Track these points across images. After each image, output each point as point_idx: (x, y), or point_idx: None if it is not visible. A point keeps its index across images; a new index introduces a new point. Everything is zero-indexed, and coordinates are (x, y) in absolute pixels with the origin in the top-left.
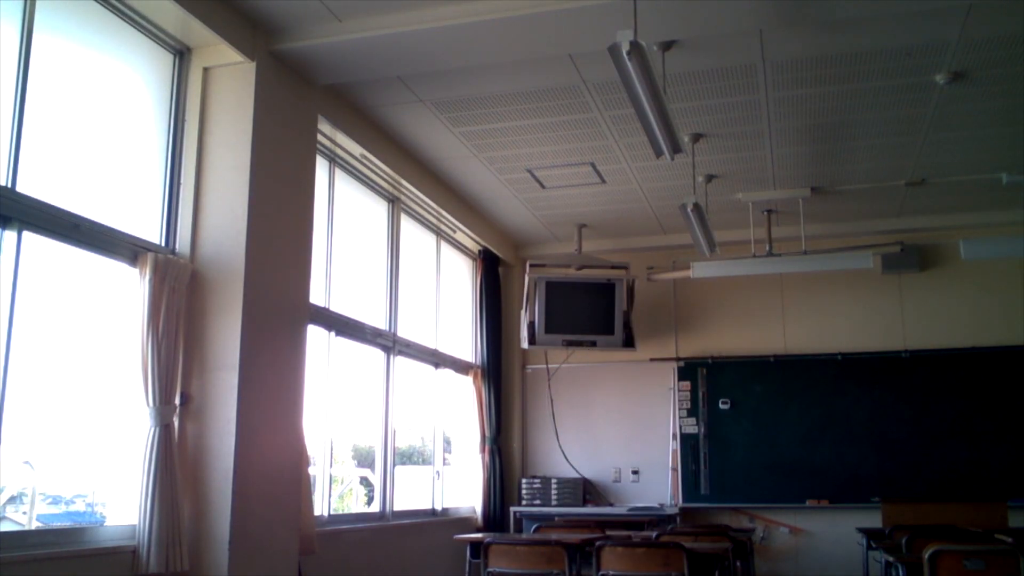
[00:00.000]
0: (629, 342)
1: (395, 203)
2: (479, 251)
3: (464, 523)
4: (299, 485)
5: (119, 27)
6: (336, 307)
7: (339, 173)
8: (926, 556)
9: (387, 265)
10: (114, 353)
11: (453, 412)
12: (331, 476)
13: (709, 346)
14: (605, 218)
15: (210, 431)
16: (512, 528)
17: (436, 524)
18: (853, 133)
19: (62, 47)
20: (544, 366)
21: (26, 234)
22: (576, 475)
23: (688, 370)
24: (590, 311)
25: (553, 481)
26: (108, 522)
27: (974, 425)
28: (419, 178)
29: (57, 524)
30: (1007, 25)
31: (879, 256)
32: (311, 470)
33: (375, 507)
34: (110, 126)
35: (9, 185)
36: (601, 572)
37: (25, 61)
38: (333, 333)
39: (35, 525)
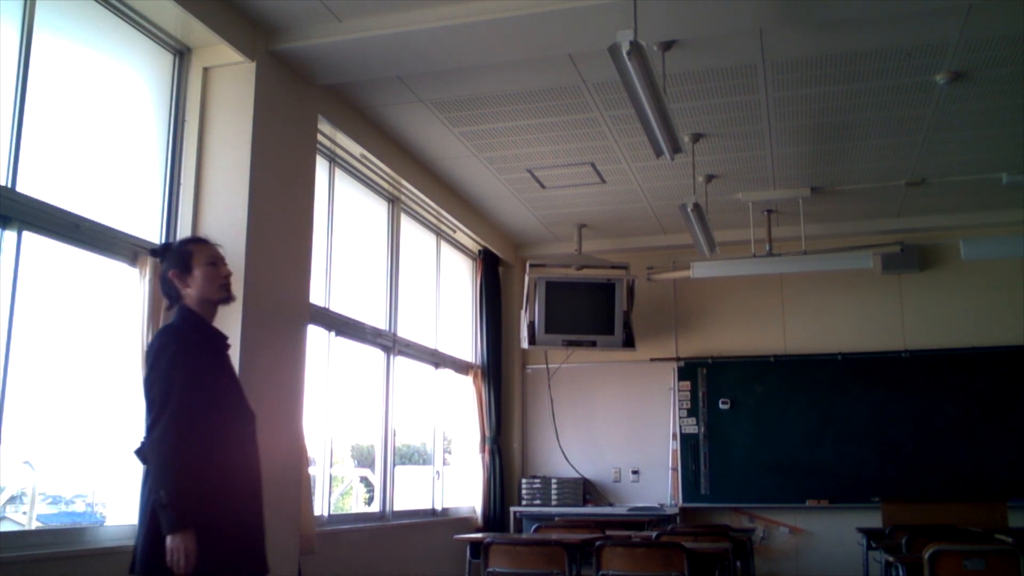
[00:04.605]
0: (629, 342)
1: (395, 203)
2: (479, 251)
3: (464, 523)
4: (299, 485)
5: (119, 27)
6: (336, 307)
7: (339, 173)
8: (926, 556)
9: (387, 265)
10: (114, 353)
11: (453, 412)
12: (331, 476)
13: (709, 346)
14: (605, 218)
15: None
16: (512, 528)
17: (436, 524)
18: (853, 133)
19: (62, 47)
20: (544, 366)
21: (26, 234)
22: (576, 475)
23: (688, 370)
24: (590, 311)
25: (553, 481)
26: (108, 522)
27: (974, 425)
28: (419, 178)
29: (57, 524)
30: (1007, 25)
31: (879, 256)
32: (311, 470)
33: (375, 507)
34: (110, 126)
35: (9, 185)
36: (601, 572)
37: (25, 61)
38: (333, 333)
39: (35, 525)
